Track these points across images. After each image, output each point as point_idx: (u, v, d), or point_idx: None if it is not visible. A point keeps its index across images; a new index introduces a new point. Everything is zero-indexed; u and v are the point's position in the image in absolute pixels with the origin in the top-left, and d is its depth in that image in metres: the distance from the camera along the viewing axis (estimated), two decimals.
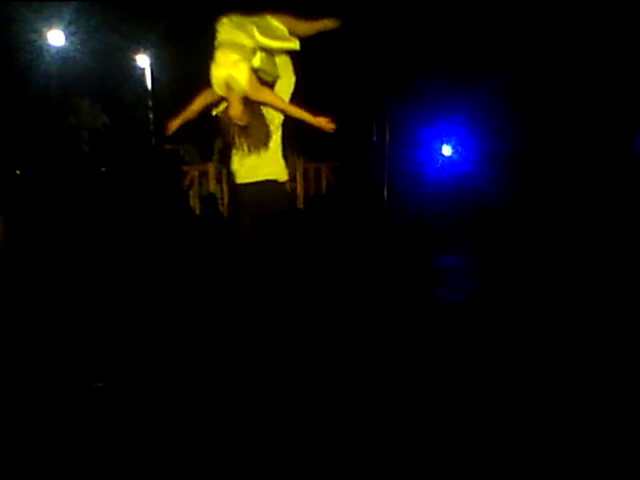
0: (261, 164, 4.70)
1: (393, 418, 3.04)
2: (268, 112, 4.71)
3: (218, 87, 4.42)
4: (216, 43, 4.44)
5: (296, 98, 4.81)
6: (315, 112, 4.62)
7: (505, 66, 11.53)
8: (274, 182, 4.88)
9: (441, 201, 11.14)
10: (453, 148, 12.62)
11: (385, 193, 10.96)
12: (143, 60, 15.33)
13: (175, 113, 4.94)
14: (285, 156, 5.00)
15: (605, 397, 3.20)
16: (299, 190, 10.71)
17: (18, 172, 12.48)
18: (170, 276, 6.05)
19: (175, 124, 4.81)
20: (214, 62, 4.36)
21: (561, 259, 7.09)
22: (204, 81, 4.62)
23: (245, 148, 4.62)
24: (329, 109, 4.71)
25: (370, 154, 11.41)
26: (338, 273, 6.11)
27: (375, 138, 11.18)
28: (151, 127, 15.04)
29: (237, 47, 4.35)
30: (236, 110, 4.40)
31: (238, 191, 4.85)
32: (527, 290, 5.74)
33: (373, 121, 11.15)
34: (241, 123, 4.49)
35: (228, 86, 4.40)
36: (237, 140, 4.61)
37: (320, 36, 4.84)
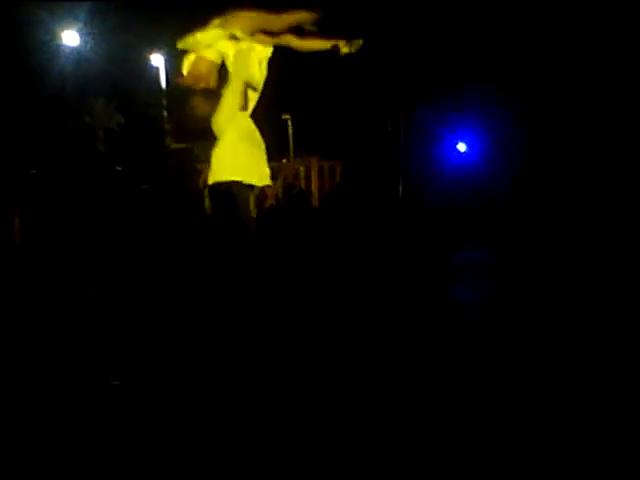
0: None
1: (406, 412, 3.03)
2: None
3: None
4: None
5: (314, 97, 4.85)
6: (331, 111, 4.65)
7: (518, 67, 11.50)
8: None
9: (456, 196, 11.10)
10: (468, 145, 12.58)
11: (400, 190, 10.92)
12: (157, 59, 15.37)
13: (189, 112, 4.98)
14: (301, 155, 5.01)
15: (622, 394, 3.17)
16: (314, 188, 10.71)
17: (34, 172, 12.53)
18: (185, 273, 6.05)
19: None
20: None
21: (572, 253, 7.04)
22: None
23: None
24: (346, 107, 4.73)
25: (384, 151, 11.37)
26: (354, 268, 6.10)
27: (390, 135, 11.15)
28: (166, 126, 15.07)
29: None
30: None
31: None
32: (541, 283, 5.71)
33: (388, 118, 11.11)
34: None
35: None
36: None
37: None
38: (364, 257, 6.78)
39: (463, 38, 11.63)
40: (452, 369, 3.60)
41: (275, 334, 4.12)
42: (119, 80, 15.60)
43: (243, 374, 3.52)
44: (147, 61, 15.45)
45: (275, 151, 9.03)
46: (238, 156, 4.66)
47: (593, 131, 10.69)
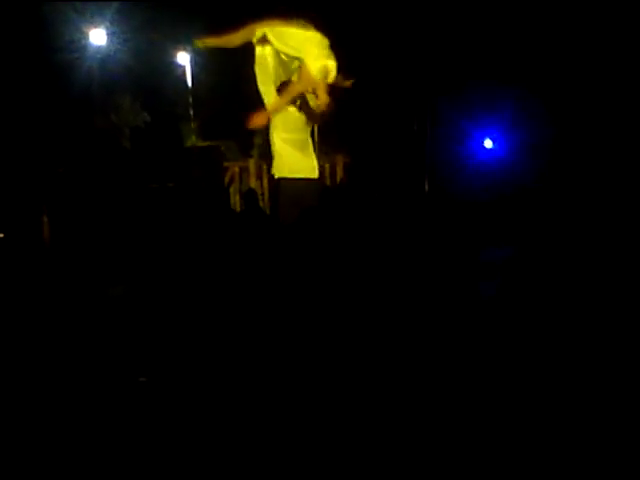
0: (300, 162, 4.78)
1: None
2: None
3: (307, 78, 4.61)
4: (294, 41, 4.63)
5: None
6: (356, 106, 4.80)
7: (547, 65, 11.41)
8: (310, 179, 4.98)
9: (482, 192, 11.03)
10: (495, 141, 12.48)
11: (426, 185, 10.88)
12: (183, 58, 15.44)
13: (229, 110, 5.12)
14: (327, 152, 5.12)
15: None
16: (340, 183, 10.72)
17: (61, 170, 12.65)
18: (211, 271, 6.07)
19: (262, 119, 4.93)
20: (309, 55, 4.55)
21: (597, 252, 6.97)
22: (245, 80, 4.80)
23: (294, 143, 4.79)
24: (371, 103, 4.87)
25: (411, 146, 11.33)
26: (379, 263, 6.08)
27: (416, 131, 11.10)
28: (192, 124, 15.14)
29: (323, 43, 4.59)
30: (326, 98, 4.60)
31: (279, 186, 4.95)
32: (564, 282, 5.66)
33: (414, 114, 11.07)
34: (328, 110, 4.71)
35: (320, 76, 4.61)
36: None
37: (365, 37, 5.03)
38: (393, 251, 6.76)
39: (493, 36, 11.54)
40: (466, 366, 3.58)
41: (303, 330, 4.13)
42: (145, 78, 15.66)
43: (267, 370, 3.53)
44: (173, 59, 15.53)
45: None
46: (295, 153, 4.86)
47: (621, 134, 10.57)
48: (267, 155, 10.90)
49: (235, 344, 4.01)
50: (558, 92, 11.37)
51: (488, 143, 12.65)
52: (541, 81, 11.37)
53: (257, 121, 5.01)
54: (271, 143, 4.85)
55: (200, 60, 15.33)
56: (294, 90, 4.97)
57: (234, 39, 4.98)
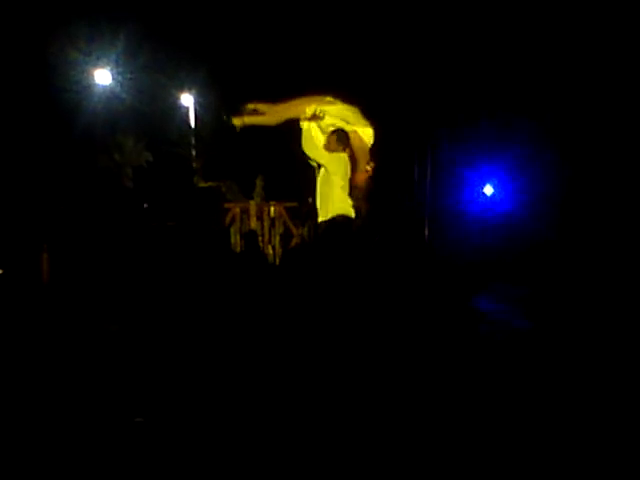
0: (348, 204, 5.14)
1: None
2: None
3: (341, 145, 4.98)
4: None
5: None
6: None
7: (547, 110, 11.52)
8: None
9: (482, 238, 11.06)
10: (495, 187, 12.57)
11: (426, 231, 10.91)
12: (187, 99, 15.58)
13: (217, 152, 5.40)
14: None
15: None
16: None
17: (62, 208, 12.69)
18: (212, 309, 6.07)
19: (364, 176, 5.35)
20: (358, 124, 4.94)
21: (604, 294, 6.97)
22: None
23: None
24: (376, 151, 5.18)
25: (412, 192, 11.40)
26: (380, 306, 6.08)
27: (416, 177, 11.18)
28: (194, 165, 15.21)
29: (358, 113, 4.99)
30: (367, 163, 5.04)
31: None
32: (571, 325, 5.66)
33: (415, 160, 11.17)
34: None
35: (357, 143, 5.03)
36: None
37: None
38: (390, 293, 6.78)
39: (492, 80, 11.69)
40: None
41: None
42: (149, 119, 15.81)
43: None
44: (177, 100, 15.67)
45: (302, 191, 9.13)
46: (347, 198, 5.21)
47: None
48: (270, 198, 10.99)
49: (231, 386, 4.00)
50: (562, 141, 11.47)
51: (488, 189, 12.73)
52: (545, 130, 11.49)
53: (361, 178, 5.51)
54: (326, 190, 5.10)
55: (203, 102, 15.49)
56: (365, 156, 5.44)
57: (276, 118, 5.26)
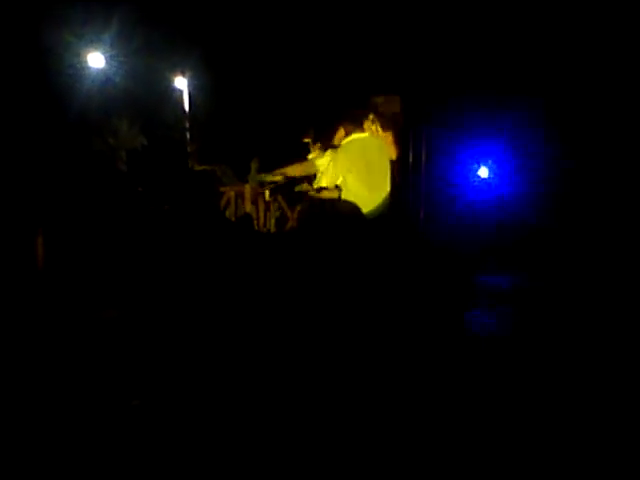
0: None
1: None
2: None
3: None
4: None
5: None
6: None
7: (543, 89, 11.48)
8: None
9: (477, 223, 11.07)
10: (490, 170, 12.56)
11: (421, 214, 10.91)
12: (181, 82, 15.49)
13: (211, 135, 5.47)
14: None
15: None
16: None
17: (57, 192, 12.62)
18: (208, 294, 6.07)
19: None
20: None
21: (597, 281, 6.98)
22: None
23: None
24: None
25: (405, 176, 11.38)
26: (372, 293, 6.09)
27: (411, 160, 11.16)
28: (188, 148, 15.15)
29: None
30: None
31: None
32: (563, 312, 5.67)
33: (409, 142, 11.14)
34: None
35: None
36: None
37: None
38: (383, 280, 6.78)
39: (490, 57, 11.66)
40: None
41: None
42: (143, 102, 15.72)
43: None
44: (171, 84, 15.59)
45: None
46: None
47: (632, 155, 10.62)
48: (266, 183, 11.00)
49: (229, 371, 4.00)
50: (559, 120, 11.45)
51: (483, 171, 12.74)
52: (541, 111, 11.46)
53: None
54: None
55: (198, 84, 15.42)
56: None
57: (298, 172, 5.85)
